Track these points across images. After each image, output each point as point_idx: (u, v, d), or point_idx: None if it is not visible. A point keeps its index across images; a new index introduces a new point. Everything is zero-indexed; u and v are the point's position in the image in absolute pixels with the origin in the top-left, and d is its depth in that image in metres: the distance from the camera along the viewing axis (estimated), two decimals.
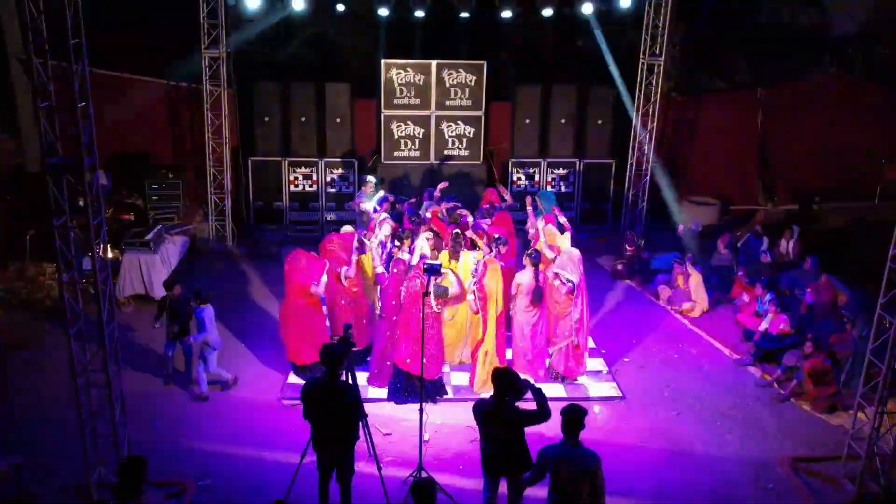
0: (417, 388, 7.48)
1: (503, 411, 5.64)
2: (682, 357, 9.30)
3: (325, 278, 8.03)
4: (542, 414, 5.55)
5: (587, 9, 11.47)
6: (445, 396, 8.17)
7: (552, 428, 5.58)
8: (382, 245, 8.57)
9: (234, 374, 8.37)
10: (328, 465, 6.10)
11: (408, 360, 7.76)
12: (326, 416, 5.87)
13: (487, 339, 8.09)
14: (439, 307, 7.88)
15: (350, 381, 6.56)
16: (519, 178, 12.77)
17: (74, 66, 5.28)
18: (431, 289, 7.02)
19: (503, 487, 5.98)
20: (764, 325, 9.18)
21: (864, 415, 6.87)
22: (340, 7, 11.56)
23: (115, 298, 7.85)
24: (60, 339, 8.84)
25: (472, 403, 5.92)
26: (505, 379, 5.65)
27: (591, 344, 9.28)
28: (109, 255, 7.84)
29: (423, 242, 8.27)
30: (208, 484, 6.75)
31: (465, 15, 11.84)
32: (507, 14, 11.71)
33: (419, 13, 11.65)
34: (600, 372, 8.80)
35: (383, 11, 11.66)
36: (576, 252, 8.30)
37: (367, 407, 6.88)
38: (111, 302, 6.02)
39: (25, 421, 7.48)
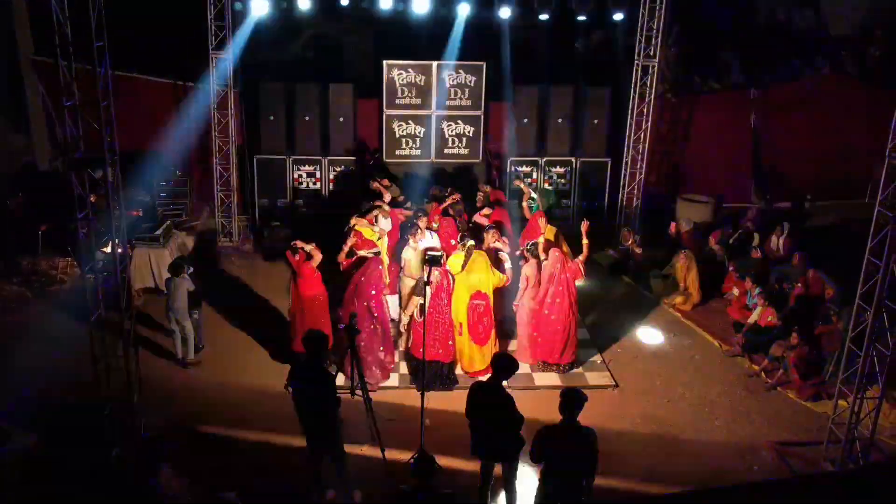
0: (432, 373, 7.85)
1: (499, 393, 5.98)
2: (673, 348, 9.64)
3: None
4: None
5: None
6: (457, 386, 8.46)
7: (551, 413, 5.90)
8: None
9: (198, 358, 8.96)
10: (316, 446, 6.44)
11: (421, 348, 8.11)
12: (308, 398, 6.22)
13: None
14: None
15: (356, 370, 6.91)
16: (517, 177, 13.10)
17: (98, 67, 5.61)
18: (433, 277, 7.33)
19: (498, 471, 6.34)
20: (753, 318, 9.51)
21: (845, 401, 7.21)
22: (344, 1, 11.81)
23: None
24: (75, 329, 9.24)
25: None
26: (505, 363, 5.99)
27: (585, 335, 9.67)
28: (119, 249, 8.21)
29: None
30: (220, 466, 7.07)
31: (464, 17, 12.13)
32: (505, 16, 12.03)
33: (420, 15, 11.94)
34: (594, 362, 9.13)
35: (386, 13, 11.95)
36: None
37: (371, 394, 7.22)
38: (129, 290, 6.34)
39: (45, 403, 7.81)
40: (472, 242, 8.55)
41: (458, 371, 8.69)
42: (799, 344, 8.64)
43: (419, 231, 8.82)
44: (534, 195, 10.50)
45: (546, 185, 12.99)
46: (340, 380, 7.96)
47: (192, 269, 8.92)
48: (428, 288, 7.08)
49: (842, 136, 14.24)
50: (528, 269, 8.71)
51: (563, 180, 13.19)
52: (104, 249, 7.44)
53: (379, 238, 9.07)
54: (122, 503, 5.74)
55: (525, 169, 13.12)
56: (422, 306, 7.94)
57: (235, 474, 6.94)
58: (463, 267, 8.43)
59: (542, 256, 8.73)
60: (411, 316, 8.48)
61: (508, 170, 13.07)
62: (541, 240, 9.05)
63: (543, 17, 12.13)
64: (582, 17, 12.21)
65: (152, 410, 7.29)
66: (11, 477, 5.92)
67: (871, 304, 6.72)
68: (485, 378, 6.44)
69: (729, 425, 8.03)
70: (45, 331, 9.51)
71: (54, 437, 6.81)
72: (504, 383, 6.07)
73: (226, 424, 7.75)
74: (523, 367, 8.73)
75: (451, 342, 8.29)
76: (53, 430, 7.03)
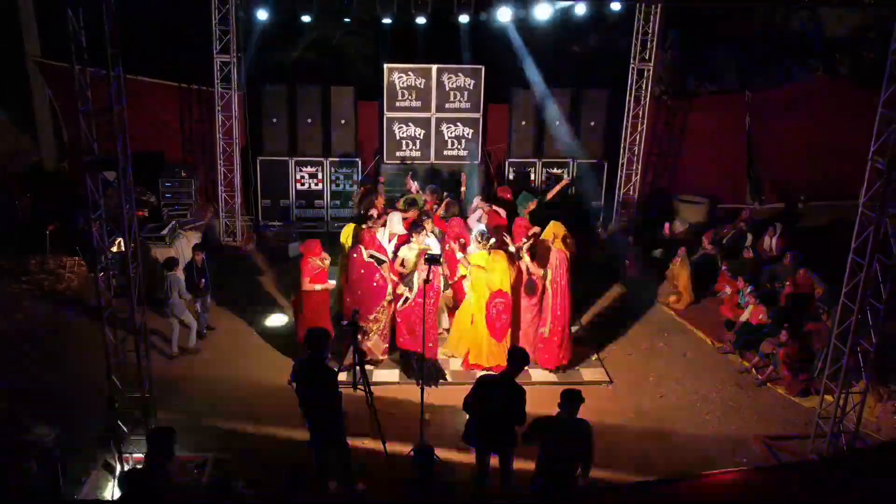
0: (418, 367, 8.09)
1: (510, 385, 6.23)
2: (667, 345, 9.89)
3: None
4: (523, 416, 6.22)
5: (580, 9, 11.91)
6: (443, 382, 8.73)
7: (546, 408, 6.14)
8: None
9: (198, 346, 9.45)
10: (320, 438, 6.68)
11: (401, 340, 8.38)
12: (311, 393, 6.47)
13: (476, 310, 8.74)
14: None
15: (357, 364, 7.15)
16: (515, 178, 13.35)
17: (111, 71, 5.84)
18: (431, 276, 7.56)
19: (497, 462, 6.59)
20: (745, 316, 9.75)
21: (831, 396, 7.45)
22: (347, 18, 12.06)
23: None
24: (84, 326, 9.51)
25: (470, 387, 6.46)
26: (522, 356, 6.24)
27: (582, 333, 9.92)
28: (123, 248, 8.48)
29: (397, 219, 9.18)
30: (227, 458, 7.32)
31: (464, 20, 12.34)
32: (505, 20, 12.22)
33: (420, 19, 12.15)
34: (590, 359, 9.37)
35: (386, 18, 12.17)
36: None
37: (372, 389, 7.45)
38: (140, 287, 6.58)
39: (58, 398, 8.06)
40: (493, 240, 8.77)
41: (456, 367, 8.96)
42: (788, 341, 8.88)
43: (423, 231, 9.03)
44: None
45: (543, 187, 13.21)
46: (342, 375, 8.18)
47: (204, 256, 9.57)
48: (417, 285, 7.29)
49: (836, 137, 14.45)
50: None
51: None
52: (112, 249, 7.70)
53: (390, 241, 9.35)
54: (133, 495, 5.94)
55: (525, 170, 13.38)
56: (406, 298, 8.23)
57: (242, 465, 7.18)
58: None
59: (527, 260, 8.87)
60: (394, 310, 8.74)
61: (507, 171, 13.32)
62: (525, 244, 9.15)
63: (542, 17, 12.31)
64: (582, 11, 12.37)
65: (162, 405, 7.53)
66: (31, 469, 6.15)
67: (855, 301, 6.96)
68: (495, 372, 6.64)
69: (720, 420, 8.27)
70: (55, 329, 9.76)
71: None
72: None
73: (233, 418, 8.00)
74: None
75: (431, 343, 8.50)
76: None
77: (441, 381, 8.69)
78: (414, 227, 9.04)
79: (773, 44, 15.63)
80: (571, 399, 5.81)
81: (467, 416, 6.49)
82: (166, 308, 9.11)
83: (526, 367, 8.78)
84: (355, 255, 8.61)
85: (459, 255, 8.90)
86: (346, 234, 9.38)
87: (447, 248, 9.13)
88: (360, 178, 12.89)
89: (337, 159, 13.03)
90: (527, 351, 6.53)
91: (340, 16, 11.95)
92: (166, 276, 9.02)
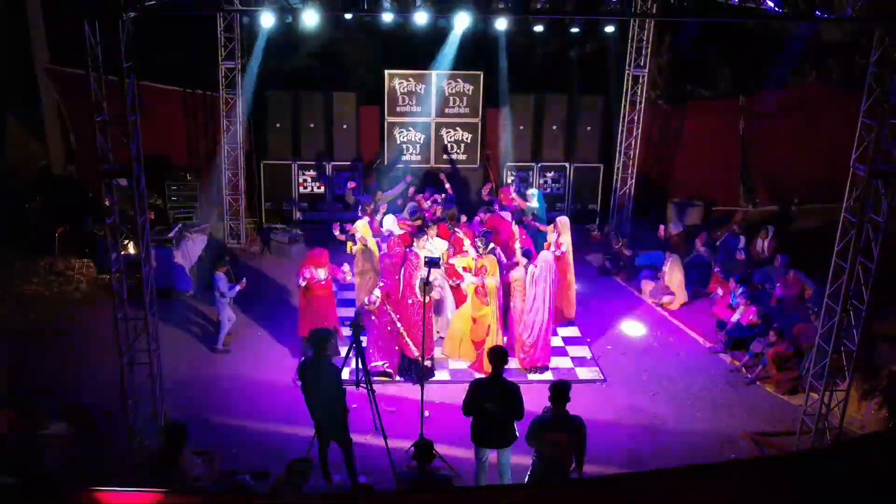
0: (410, 368, 8.37)
1: (501, 385, 6.49)
2: (660, 345, 10.16)
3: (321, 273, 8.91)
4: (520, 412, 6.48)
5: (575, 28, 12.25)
6: (433, 378, 8.99)
7: (543, 405, 6.42)
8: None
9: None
10: (324, 434, 6.99)
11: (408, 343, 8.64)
12: (315, 390, 6.76)
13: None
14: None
15: (360, 364, 7.42)
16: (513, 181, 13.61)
17: (126, 78, 6.11)
18: (431, 278, 7.83)
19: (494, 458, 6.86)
20: (736, 317, 10.02)
21: (816, 394, 7.72)
22: (348, 16, 12.25)
23: None
24: (94, 326, 9.77)
25: (468, 385, 6.73)
26: (501, 356, 6.51)
27: (576, 333, 10.21)
28: (132, 250, 8.76)
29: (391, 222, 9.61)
30: (234, 452, 7.60)
31: (464, 26, 12.56)
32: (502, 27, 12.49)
33: (421, 26, 12.36)
34: (585, 358, 9.65)
35: (388, 23, 12.37)
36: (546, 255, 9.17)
37: (375, 385, 7.72)
38: (152, 288, 6.86)
39: (72, 396, 8.34)
40: (492, 245, 9.05)
41: (455, 367, 9.22)
42: (777, 341, 9.16)
43: (426, 237, 9.30)
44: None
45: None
46: (345, 374, 8.46)
47: (228, 265, 9.79)
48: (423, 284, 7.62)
49: (828, 141, 14.68)
50: (517, 273, 9.13)
51: (557, 184, 13.72)
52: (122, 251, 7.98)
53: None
54: (149, 486, 6.21)
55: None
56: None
57: (250, 460, 7.45)
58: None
59: (523, 261, 9.15)
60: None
61: (505, 174, 13.59)
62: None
63: (538, 28, 12.60)
64: (575, 29, 12.73)
65: (172, 401, 7.81)
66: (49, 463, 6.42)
67: (839, 303, 7.23)
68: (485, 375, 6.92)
69: (710, 417, 8.54)
70: (66, 329, 10.03)
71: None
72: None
73: (239, 414, 8.29)
74: (516, 363, 9.24)
75: (407, 341, 8.78)
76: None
77: (429, 378, 8.91)
78: (418, 231, 9.35)
79: (767, 49, 15.85)
80: (560, 392, 6.08)
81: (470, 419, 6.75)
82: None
83: (530, 372, 9.20)
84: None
85: (454, 263, 9.17)
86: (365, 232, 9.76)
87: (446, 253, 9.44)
88: (360, 180, 13.16)
89: (347, 163, 13.29)
90: (504, 348, 6.83)
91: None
92: (213, 275, 9.45)
